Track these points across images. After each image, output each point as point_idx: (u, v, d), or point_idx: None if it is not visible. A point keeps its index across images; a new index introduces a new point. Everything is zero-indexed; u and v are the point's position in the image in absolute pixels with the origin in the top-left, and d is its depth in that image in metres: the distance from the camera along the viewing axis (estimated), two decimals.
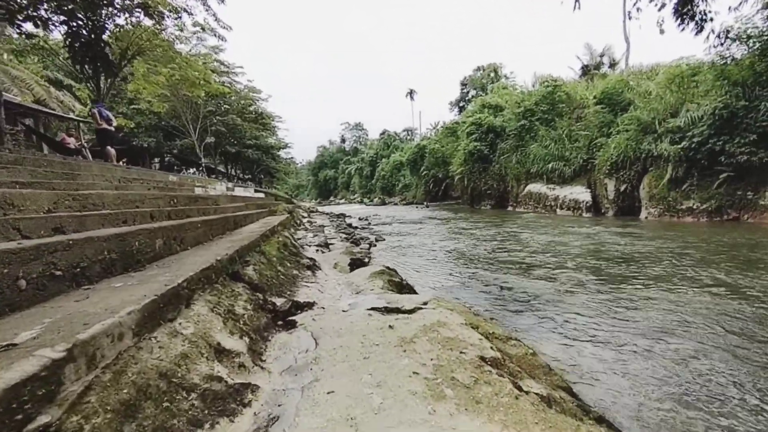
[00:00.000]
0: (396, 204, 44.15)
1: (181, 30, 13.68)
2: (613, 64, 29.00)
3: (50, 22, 10.44)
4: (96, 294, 1.57)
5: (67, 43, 10.91)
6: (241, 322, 2.02)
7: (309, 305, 2.73)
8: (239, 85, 26.64)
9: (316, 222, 17.59)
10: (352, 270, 4.76)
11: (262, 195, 17.35)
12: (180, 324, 1.57)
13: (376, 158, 65.06)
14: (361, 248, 9.68)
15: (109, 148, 8.65)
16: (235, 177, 37.22)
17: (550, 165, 18.08)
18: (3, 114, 7.85)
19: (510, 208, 21.50)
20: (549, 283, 4.75)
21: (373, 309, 2.47)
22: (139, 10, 10.49)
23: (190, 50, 18.91)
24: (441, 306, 2.43)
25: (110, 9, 10.80)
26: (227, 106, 25.80)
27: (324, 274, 4.32)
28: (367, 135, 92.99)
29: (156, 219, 3.57)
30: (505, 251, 7.39)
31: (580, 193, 16.10)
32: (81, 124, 15.78)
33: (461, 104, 51.34)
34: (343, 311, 2.56)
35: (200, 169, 24.09)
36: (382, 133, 73.05)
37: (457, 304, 2.71)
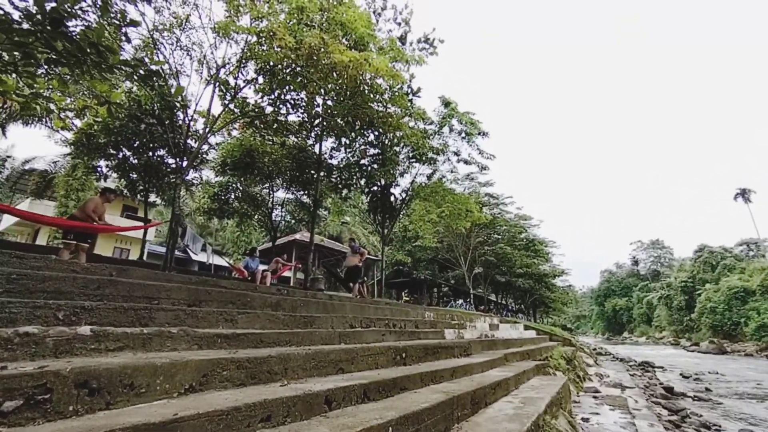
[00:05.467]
0: (752, 355, 28.35)
1: (452, 171, 14.92)
2: None
3: (358, 188, 13.52)
4: None
5: (367, 200, 13.70)
6: None
7: None
8: (509, 214, 26.59)
9: (608, 376, 12.40)
10: None
11: (533, 333, 14.39)
12: None
13: (692, 283, 49.67)
14: None
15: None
16: (505, 308, 35.26)
17: None
18: (311, 258, 9.72)
19: None
20: None
21: None
22: (413, 160, 11.88)
23: (464, 190, 20.67)
24: None
25: (397, 166, 12.91)
26: (497, 236, 25.81)
27: None
28: (671, 254, 76.28)
29: (336, 404, 2.32)
30: None
31: None
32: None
33: None
34: None
35: (468, 300, 23.87)
36: (699, 250, 54.61)
37: None
